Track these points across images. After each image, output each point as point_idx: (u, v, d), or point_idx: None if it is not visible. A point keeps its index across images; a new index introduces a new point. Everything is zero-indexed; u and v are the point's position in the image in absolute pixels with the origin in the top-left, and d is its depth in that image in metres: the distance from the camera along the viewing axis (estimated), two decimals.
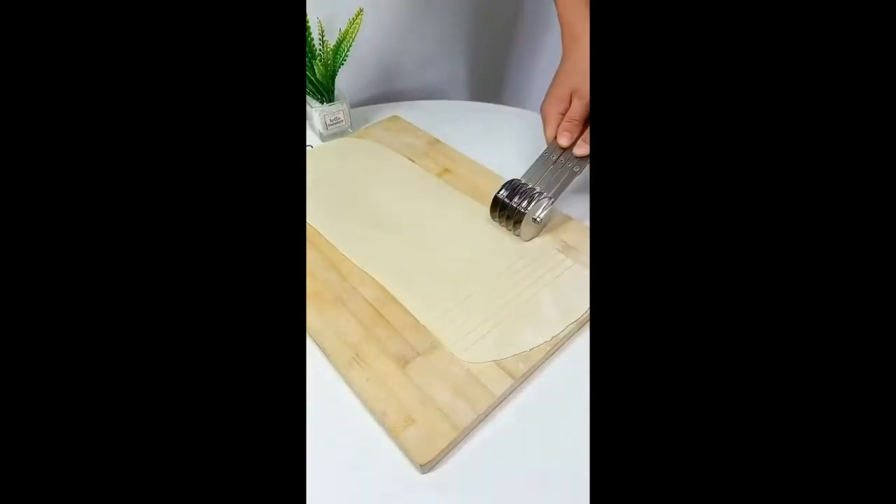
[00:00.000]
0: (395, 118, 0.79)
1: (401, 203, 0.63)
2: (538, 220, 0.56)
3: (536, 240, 0.57)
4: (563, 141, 0.57)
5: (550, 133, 0.58)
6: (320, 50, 0.70)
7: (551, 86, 0.59)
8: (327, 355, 0.47)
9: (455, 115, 0.81)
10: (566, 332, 0.48)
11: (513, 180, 0.56)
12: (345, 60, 0.72)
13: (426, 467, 0.40)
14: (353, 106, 0.80)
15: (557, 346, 0.47)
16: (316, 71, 0.70)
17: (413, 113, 0.80)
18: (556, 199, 0.56)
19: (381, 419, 0.42)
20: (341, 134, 0.77)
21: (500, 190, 0.56)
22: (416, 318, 0.49)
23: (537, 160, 0.58)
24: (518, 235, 0.56)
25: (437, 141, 0.73)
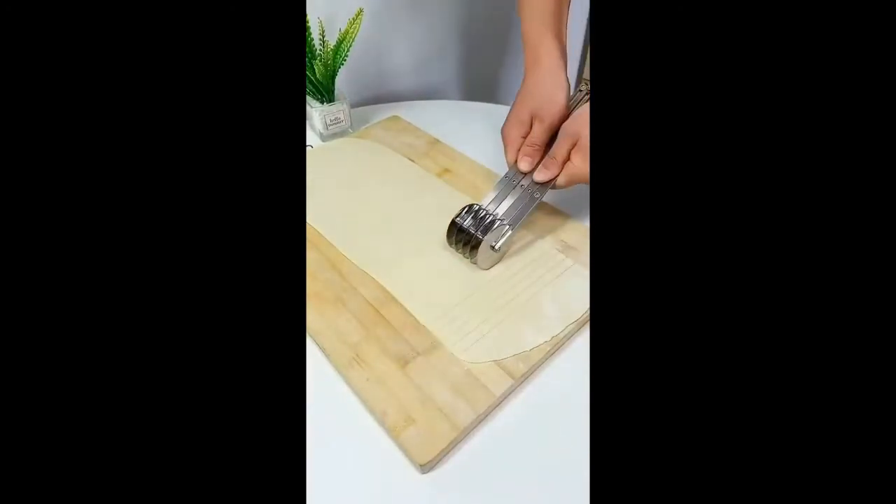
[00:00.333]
0: (395, 118, 0.79)
1: (401, 203, 0.63)
2: (496, 248, 0.53)
3: (536, 240, 0.57)
4: (524, 166, 0.55)
5: (511, 157, 0.56)
6: (320, 50, 0.70)
7: (512, 108, 0.58)
8: (327, 355, 0.47)
9: (455, 115, 0.81)
10: (566, 332, 0.48)
11: (472, 205, 0.54)
12: (345, 60, 0.72)
13: (426, 467, 0.40)
14: (353, 106, 0.80)
15: (557, 346, 0.47)
16: (316, 71, 0.70)
17: (413, 113, 0.80)
18: (515, 227, 0.53)
19: (381, 419, 0.42)
20: (341, 134, 0.77)
21: (458, 215, 0.53)
22: (415, 318, 0.49)
23: (497, 184, 0.56)
24: (475, 263, 0.53)
25: (437, 141, 0.73)
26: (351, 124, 0.77)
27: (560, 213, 0.60)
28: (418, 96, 0.89)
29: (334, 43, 0.71)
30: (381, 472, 0.40)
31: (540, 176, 0.54)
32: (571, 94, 0.59)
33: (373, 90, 0.88)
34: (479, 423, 0.43)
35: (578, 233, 0.58)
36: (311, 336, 0.49)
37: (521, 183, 0.55)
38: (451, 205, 0.62)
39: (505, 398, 0.44)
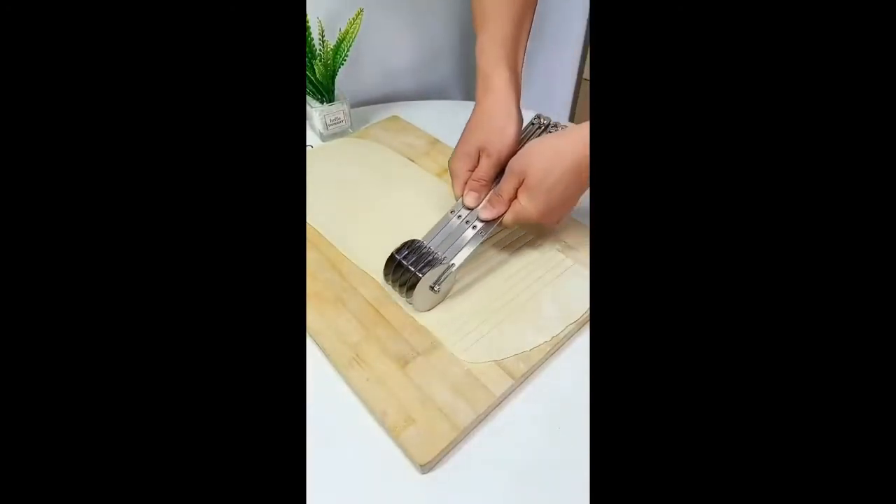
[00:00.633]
0: (395, 118, 0.79)
1: (401, 203, 0.63)
2: (436, 288, 0.49)
3: (536, 240, 0.57)
4: (469, 201, 0.53)
5: (457, 191, 0.54)
6: (320, 50, 0.70)
7: (460, 139, 0.55)
8: (327, 355, 0.47)
9: (455, 115, 0.80)
10: (566, 332, 0.48)
11: (413, 241, 0.51)
12: (345, 60, 0.72)
13: (426, 467, 0.40)
14: (353, 106, 0.80)
15: (557, 346, 0.47)
16: (316, 71, 0.70)
17: (413, 113, 0.80)
18: (458, 267, 0.50)
19: (381, 419, 0.42)
20: (341, 134, 0.77)
21: (398, 249, 0.50)
22: (415, 318, 0.49)
23: (443, 219, 0.53)
24: (411, 304, 0.50)
25: (437, 141, 0.73)
26: (351, 124, 0.77)
27: None
28: (418, 96, 0.89)
29: (334, 43, 0.71)
30: (381, 472, 0.40)
31: (486, 214, 0.51)
32: (524, 126, 0.56)
33: (373, 90, 0.88)
34: (479, 423, 0.43)
35: (578, 233, 0.58)
36: (311, 336, 0.49)
37: (466, 219, 0.53)
38: (450, 205, 0.62)
39: (505, 398, 0.44)
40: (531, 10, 0.59)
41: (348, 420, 0.43)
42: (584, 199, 0.62)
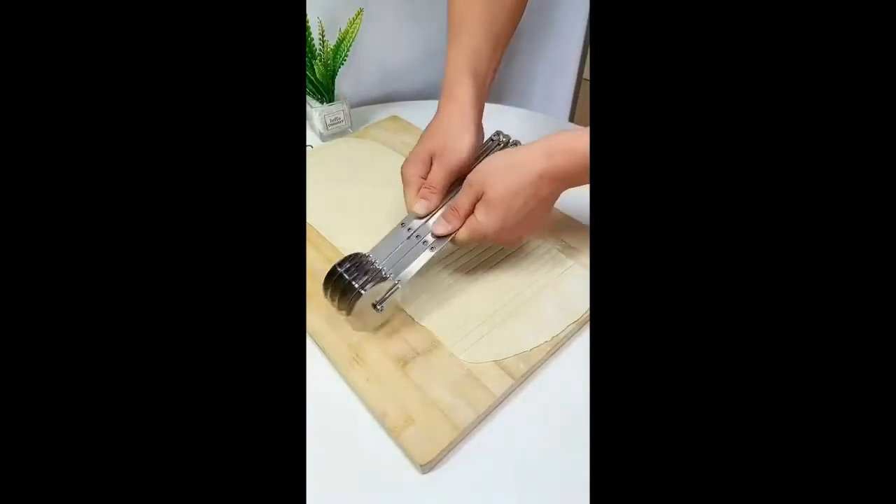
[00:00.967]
0: (395, 118, 0.79)
1: (401, 203, 0.63)
2: (379, 307, 0.46)
3: (536, 240, 0.57)
4: (419, 209, 0.50)
5: (409, 198, 0.51)
6: (320, 50, 0.71)
7: (416, 145, 0.53)
8: (327, 355, 0.47)
9: None
10: (566, 332, 0.48)
11: (358, 254, 0.46)
12: (345, 60, 0.72)
13: (426, 467, 0.40)
14: (353, 106, 0.80)
15: (557, 346, 0.47)
16: (316, 71, 0.70)
17: (413, 113, 0.80)
18: (404, 284, 0.46)
19: (381, 419, 0.42)
20: (341, 134, 0.77)
21: (340, 262, 0.46)
22: (415, 319, 0.49)
23: (391, 233, 0.50)
24: (349, 322, 0.46)
25: None
26: (351, 124, 0.77)
27: (560, 213, 0.60)
28: (418, 96, 0.89)
29: (334, 43, 0.71)
30: (381, 472, 0.40)
31: (439, 229, 0.48)
32: (483, 140, 0.55)
33: (373, 90, 0.88)
34: (479, 423, 0.43)
35: (578, 233, 0.58)
36: (311, 336, 0.49)
37: (417, 233, 0.49)
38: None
39: (505, 398, 0.44)
40: (510, 28, 0.57)
41: (348, 420, 0.43)
42: (584, 199, 0.62)
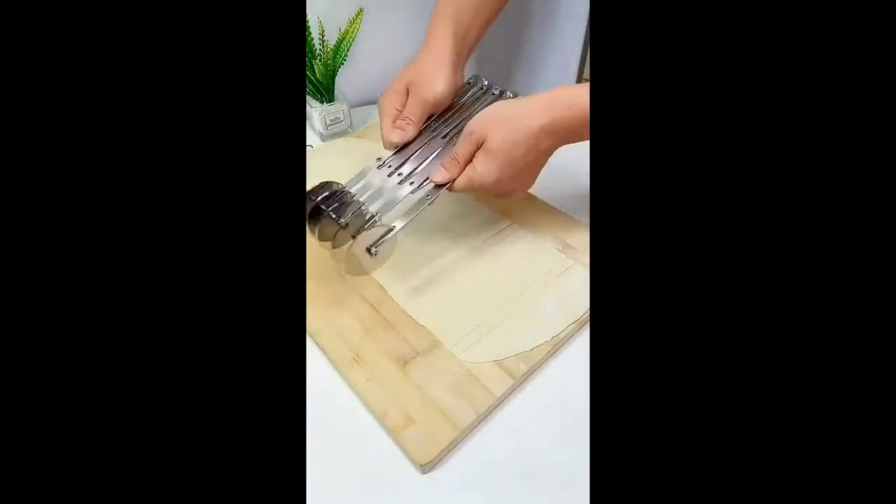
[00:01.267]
0: None
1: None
2: (373, 251, 0.45)
3: (536, 240, 0.57)
4: (395, 137, 0.51)
5: (386, 128, 0.52)
6: (320, 50, 0.70)
7: (393, 79, 0.55)
8: (327, 355, 0.47)
9: None
10: (566, 332, 0.48)
11: (331, 183, 0.45)
12: (345, 60, 0.72)
13: (426, 467, 0.40)
14: (353, 106, 0.80)
15: (557, 346, 0.47)
16: (316, 71, 0.70)
17: None
18: (398, 230, 0.46)
19: (381, 419, 0.42)
20: (341, 134, 0.77)
21: (322, 199, 0.44)
22: (415, 319, 0.49)
23: (366, 167, 0.49)
24: (342, 263, 0.45)
25: None
26: (351, 124, 0.77)
27: (560, 213, 0.60)
28: None
29: (334, 43, 0.71)
30: (381, 472, 0.40)
31: (438, 177, 0.49)
32: (460, 83, 0.57)
33: (373, 90, 0.88)
34: (479, 423, 0.43)
35: (578, 233, 0.58)
36: (311, 336, 0.49)
37: (398, 171, 0.50)
38: (450, 205, 0.62)
39: (505, 398, 0.44)
40: (495, 12, 0.59)
41: (348, 420, 0.43)
42: (584, 199, 0.62)
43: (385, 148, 0.53)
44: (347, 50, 0.71)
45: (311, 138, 0.76)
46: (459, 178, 0.49)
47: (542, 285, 0.52)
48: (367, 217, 0.45)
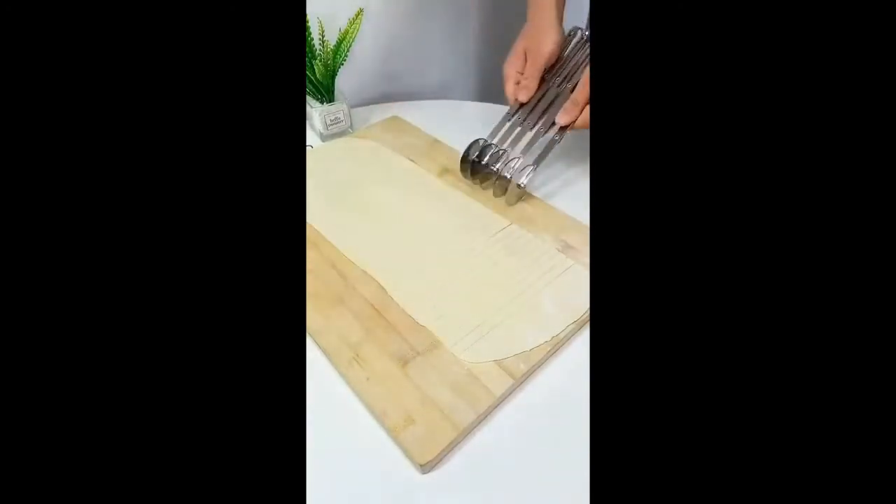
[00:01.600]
0: (395, 118, 0.79)
1: (401, 203, 0.63)
2: (522, 185, 0.60)
3: (536, 240, 0.57)
4: (522, 96, 0.63)
5: (509, 89, 0.64)
6: (320, 50, 0.70)
7: (513, 47, 0.65)
8: (327, 355, 0.47)
9: (455, 115, 0.81)
10: (566, 332, 0.48)
11: (485, 144, 0.62)
12: (345, 60, 0.72)
13: (426, 467, 0.40)
14: (353, 106, 0.80)
15: (557, 346, 0.47)
16: (316, 71, 0.70)
17: (413, 113, 0.80)
18: (538, 166, 0.60)
19: (381, 419, 0.42)
20: (341, 134, 0.77)
21: (477, 154, 0.62)
22: (415, 319, 0.49)
23: (500, 122, 0.64)
24: (504, 197, 0.61)
25: (437, 141, 0.73)
26: (351, 124, 0.77)
27: (560, 213, 0.60)
28: (418, 96, 0.89)
29: (334, 43, 0.71)
30: (381, 472, 0.40)
31: (562, 119, 0.60)
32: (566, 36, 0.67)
33: (373, 90, 0.88)
34: (479, 423, 0.43)
35: (578, 233, 0.58)
36: (311, 336, 0.49)
37: (525, 119, 0.63)
38: (450, 205, 0.62)
39: (505, 398, 0.44)
40: None
41: (348, 420, 0.43)
42: (584, 199, 0.62)
43: (512, 104, 0.65)
44: (347, 50, 0.71)
45: (311, 138, 0.76)
46: (580, 118, 0.60)
47: (542, 285, 0.52)
48: (513, 160, 0.60)
